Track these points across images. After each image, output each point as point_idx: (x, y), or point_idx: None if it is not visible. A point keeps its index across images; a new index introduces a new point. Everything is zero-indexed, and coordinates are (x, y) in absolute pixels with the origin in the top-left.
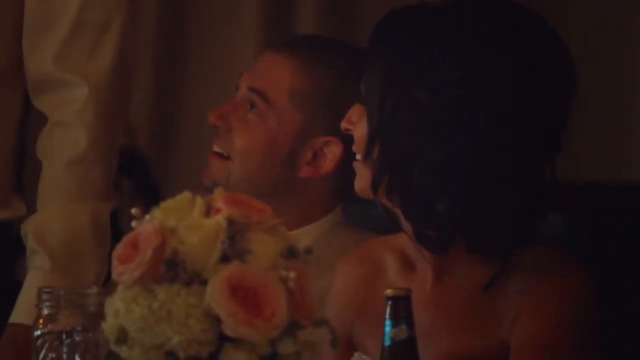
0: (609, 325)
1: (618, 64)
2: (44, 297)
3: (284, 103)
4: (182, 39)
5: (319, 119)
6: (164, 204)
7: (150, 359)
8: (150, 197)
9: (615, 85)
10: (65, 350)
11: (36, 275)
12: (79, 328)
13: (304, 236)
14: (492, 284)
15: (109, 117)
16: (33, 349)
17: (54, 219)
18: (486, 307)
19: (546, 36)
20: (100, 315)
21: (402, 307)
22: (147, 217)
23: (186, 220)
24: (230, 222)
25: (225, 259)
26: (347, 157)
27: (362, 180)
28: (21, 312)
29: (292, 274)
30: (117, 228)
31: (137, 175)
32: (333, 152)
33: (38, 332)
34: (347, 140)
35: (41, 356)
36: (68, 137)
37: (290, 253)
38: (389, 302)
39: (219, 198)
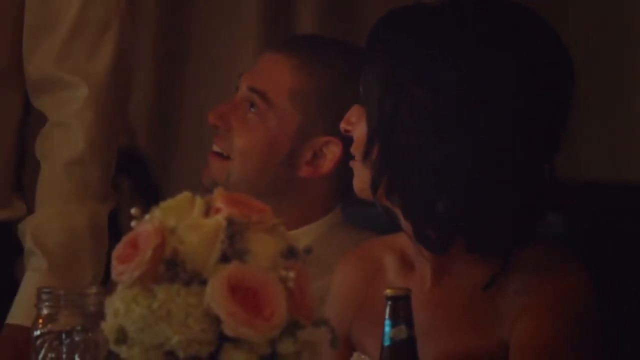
0: (609, 325)
1: (618, 64)
2: (44, 297)
3: (283, 103)
4: (182, 39)
5: (319, 119)
6: (163, 204)
7: (150, 358)
8: (150, 197)
9: (615, 85)
10: (64, 350)
11: (33, 276)
12: (79, 328)
13: (303, 236)
14: (492, 284)
15: (108, 117)
16: (33, 349)
17: (52, 219)
18: (486, 307)
19: (546, 36)
20: (99, 315)
21: (401, 307)
22: (147, 217)
23: (186, 220)
24: (230, 222)
25: (224, 258)
26: (347, 157)
27: (361, 181)
28: (18, 313)
29: (291, 274)
30: (117, 228)
31: (137, 175)
32: (333, 152)
33: (37, 332)
34: (346, 140)
35: (41, 356)
36: (67, 138)
37: (290, 253)
38: (389, 302)
39: (218, 198)
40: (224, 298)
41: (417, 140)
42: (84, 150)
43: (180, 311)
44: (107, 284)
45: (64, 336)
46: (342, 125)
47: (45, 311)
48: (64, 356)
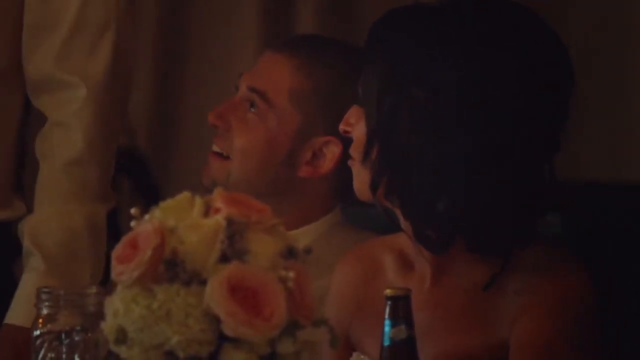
0: (609, 325)
1: (618, 64)
2: (43, 297)
3: (283, 103)
4: (182, 39)
5: (319, 119)
6: (163, 204)
7: (150, 358)
8: (150, 197)
9: (615, 85)
10: (64, 350)
11: (31, 277)
12: (78, 328)
13: (303, 236)
14: (492, 284)
15: (107, 117)
16: (32, 349)
17: (50, 219)
18: (486, 307)
19: (546, 36)
20: (99, 315)
21: (401, 307)
22: (147, 217)
23: (185, 220)
24: (230, 221)
25: (224, 258)
26: (347, 157)
27: (360, 181)
28: (16, 313)
29: (291, 274)
30: (117, 228)
31: (137, 175)
32: (332, 152)
33: (37, 332)
34: (346, 140)
35: (40, 356)
36: (66, 138)
37: (290, 253)
38: (389, 302)
39: (218, 198)
40: (224, 298)
41: (417, 140)
42: (83, 150)
43: (179, 311)
44: (106, 284)
45: (63, 336)
46: (341, 127)
47: (44, 311)
48: (63, 356)
